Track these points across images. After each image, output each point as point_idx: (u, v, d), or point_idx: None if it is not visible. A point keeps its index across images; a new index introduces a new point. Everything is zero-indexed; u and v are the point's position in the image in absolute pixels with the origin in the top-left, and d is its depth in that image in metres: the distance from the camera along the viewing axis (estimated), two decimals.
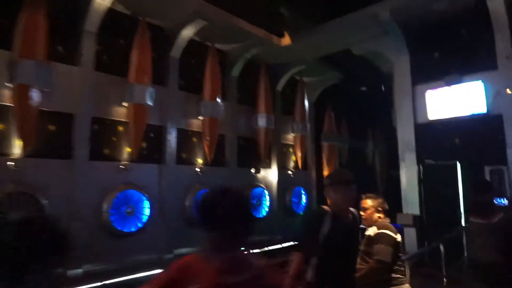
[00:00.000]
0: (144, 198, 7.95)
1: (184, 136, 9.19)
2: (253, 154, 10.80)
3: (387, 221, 3.31)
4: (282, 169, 11.97)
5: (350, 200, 2.68)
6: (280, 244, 10.77)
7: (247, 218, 1.70)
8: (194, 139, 9.45)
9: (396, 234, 3.14)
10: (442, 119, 8.53)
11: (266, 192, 11.04)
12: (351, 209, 2.76)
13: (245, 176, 10.47)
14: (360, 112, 14.29)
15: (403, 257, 4.70)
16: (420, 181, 8.76)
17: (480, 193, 3.67)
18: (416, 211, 8.59)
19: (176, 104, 8.88)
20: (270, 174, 11.66)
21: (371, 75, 12.25)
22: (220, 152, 10.07)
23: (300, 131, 12.16)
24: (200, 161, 9.46)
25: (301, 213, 12.43)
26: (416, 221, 7.88)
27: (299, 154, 12.22)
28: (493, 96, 7.84)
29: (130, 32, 7.96)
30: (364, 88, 13.53)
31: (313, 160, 13.39)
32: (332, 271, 2.47)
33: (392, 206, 9.29)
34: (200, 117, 9.26)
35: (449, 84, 8.38)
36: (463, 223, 7.98)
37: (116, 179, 7.64)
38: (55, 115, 6.96)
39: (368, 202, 3.37)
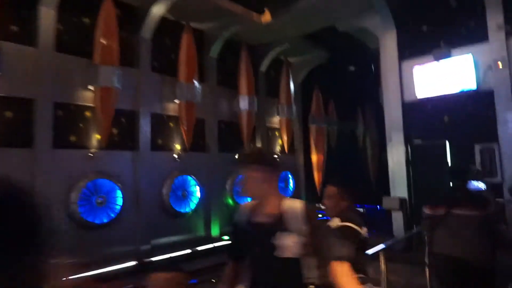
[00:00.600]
0: (117, 187, 7.51)
1: (160, 121, 8.70)
2: (235, 139, 10.34)
3: (351, 210, 2.90)
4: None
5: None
6: None
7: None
8: (171, 124, 8.96)
9: (361, 228, 2.72)
10: (431, 97, 8.08)
11: None
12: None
13: (227, 162, 10.02)
14: (349, 92, 13.77)
15: (380, 247, 4.33)
16: (408, 162, 8.37)
17: (456, 180, 3.27)
18: (404, 193, 8.23)
19: (149, 87, 8.35)
20: None
21: (359, 53, 11.72)
22: (200, 137, 9.61)
23: (286, 114, 11.69)
24: (178, 147, 9.00)
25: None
26: (403, 204, 7.51)
27: (285, 137, 11.78)
28: (484, 71, 7.39)
29: (94, 10, 7.36)
30: (352, 68, 13.00)
31: (301, 143, 12.97)
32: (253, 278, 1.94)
33: (385, 190, 9.07)
34: (176, 101, 8.74)
35: (437, 58, 7.90)
36: None
37: (84, 167, 7.18)
38: (12, 100, 6.43)
39: (332, 190, 2.94)
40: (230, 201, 10.17)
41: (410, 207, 8.10)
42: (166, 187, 8.55)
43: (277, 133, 12.15)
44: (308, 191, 12.96)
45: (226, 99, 10.31)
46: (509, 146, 7.12)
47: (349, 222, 2.69)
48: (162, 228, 8.35)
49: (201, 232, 9.37)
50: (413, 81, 8.26)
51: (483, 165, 7.32)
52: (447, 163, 7.85)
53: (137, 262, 7.28)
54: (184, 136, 8.76)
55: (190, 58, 8.78)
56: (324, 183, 13.08)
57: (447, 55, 7.83)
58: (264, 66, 11.43)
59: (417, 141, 8.28)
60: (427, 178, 8.05)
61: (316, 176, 12.87)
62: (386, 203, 7.58)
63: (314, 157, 12.84)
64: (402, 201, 7.59)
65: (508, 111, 7.12)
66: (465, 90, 7.63)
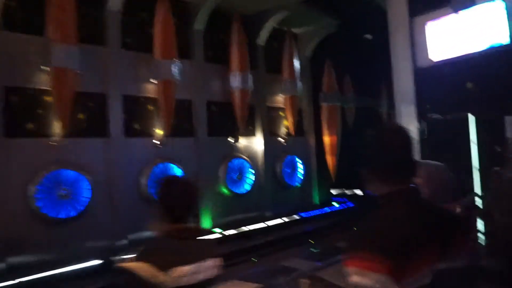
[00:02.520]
0: (83, 178, 6.82)
1: (135, 104, 7.87)
2: (229, 121, 9.32)
3: None
4: (270, 136, 10.43)
5: None
6: (267, 221, 9.44)
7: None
8: (150, 107, 8.11)
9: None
10: (449, 59, 6.50)
11: (248, 163, 9.61)
12: None
13: (218, 146, 9.07)
14: (368, 64, 12.13)
15: None
16: (422, 142, 6.89)
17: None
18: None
19: (119, 67, 7.51)
20: (255, 143, 10.17)
21: (375, 17, 10.08)
22: (186, 120, 8.71)
23: (290, 91, 10.43)
24: (159, 132, 8.15)
25: (297, 185, 10.94)
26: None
27: (290, 117, 10.56)
28: None
29: None
30: (369, 36, 11.37)
31: (311, 124, 11.68)
32: None
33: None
34: (153, 80, 7.85)
35: (456, 9, 6.27)
36: (478, 191, 6.15)
37: (44, 158, 6.53)
38: None
39: None
40: (225, 190, 9.24)
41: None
42: (145, 176, 7.76)
43: (282, 114, 10.94)
44: (320, 177, 11.70)
45: (216, 77, 9.27)
46: None
47: None
48: (142, 221, 7.59)
49: (189, 224, 8.53)
50: (425, 41, 6.69)
51: None
52: (470, 141, 6.30)
53: (103, 260, 6.58)
54: (163, 119, 7.88)
55: (167, 32, 7.81)
56: (339, 167, 11.79)
57: (470, 3, 6.18)
58: (262, 38, 10.19)
59: (434, 116, 6.76)
60: (446, 160, 6.56)
61: (330, 160, 11.58)
62: None
63: (326, 139, 11.53)
64: None
65: None
66: (493, 46, 5.98)
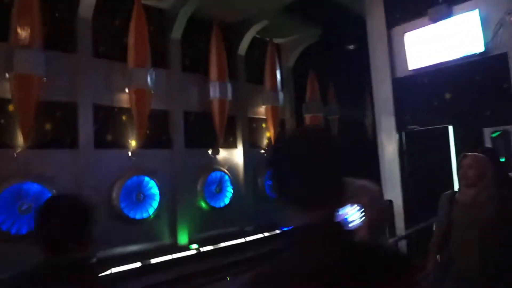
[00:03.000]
0: (48, 192, 6.45)
1: (108, 114, 7.57)
2: (208, 132, 9.04)
3: None
4: (251, 147, 10.17)
5: None
6: (247, 236, 9.11)
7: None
8: (123, 117, 7.81)
9: None
10: (426, 68, 6.37)
11: (227, 176, 9.32)
12: None
13: (196, 158, 8.77)
14: (352, 74, 12.03)
15: None
16: (401, 153, 6.72)
17: None
18: (397, 190, 6.60)
19: (90, 75, 7.22)
20: (236, 155, 9.90)
21: (356, 26, 10.02)
22: (162, 131, 8.42)
23: (271, 101, 10.23)
24: (134, 143, 7.83)
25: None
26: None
27: (272, 129, 10.34)
28: (494, 29, 5.61)
29: None
30: (351, 46, 11.29)
31: None
32: None
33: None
34: (127, 90, 7.57)
35: (435, 19, 6.18)
36: None
37: (6, 170, 6.16)
38: None
39: None
40: (203, 204, 8.91)
41: (404, 213, 6.46)
42: (116, 190, 7.41)
43: (264, 125, 10.72)
44: None
45: (194, 87, 9.03)
46: None
47: None
48: (112, 237, 7.22)
49: (165, 240, 8.19)
50: (404, 51, 6.57)
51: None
52: (451, 152, 6.14)
53: None
54: (137, 130, 7.57)
55: (142, 40, 7.57)
56: None
57: (447, 14, 6.10)
58: (242, 48, 10.02)
59: (413, 127, 6.60)
60: (426, 172, 6.39)
61: None
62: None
63: None
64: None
65: None
66: (470, 55, 5.88)
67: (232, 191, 9.32)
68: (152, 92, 7.73)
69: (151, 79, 7.61)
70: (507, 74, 5.56)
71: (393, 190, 6.67)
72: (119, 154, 7.60)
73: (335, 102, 12.30)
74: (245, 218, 9.59)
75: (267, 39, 10.45)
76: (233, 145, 9.85)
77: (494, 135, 5.61)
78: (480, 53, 5.75)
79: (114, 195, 7.38)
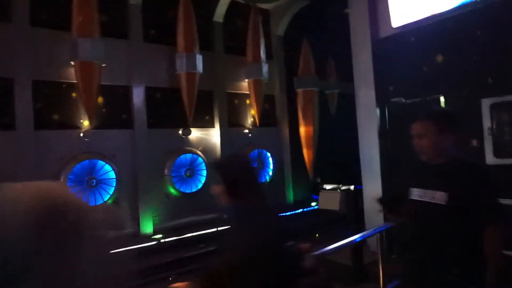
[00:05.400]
0: None
1: (51, 90, 6.77)
2: (178, 110, 8.10)
3: None
4: (231, 127, 9.15)
5: None
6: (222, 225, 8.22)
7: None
8: (74, 94, 6.99)
9: None
10: (414, 24, 5.03)
11: (201, 158, 8.40)
12: None
13: (162, 139, 7.89)
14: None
15: None
16: (382, 132, 5.49)
17: None
18: (376, 178, 5.43)
19: (28, 47, 6.39)
20: (214, 135, 8.93)
21: None
22: (121, 110, 7.56)
23: (254, 75, 9.09)
24: (86, 123, 7.04)
25: (266, 182, 9.65)
26: (350, 203, 4.68)
27: (255, 106, 9.24)
28: None
29: None
30: (347, 10, 9.78)
31: (285, 113, 10.31)
32: None
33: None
34: (72, 63, 6.71)
35: None
36: None
37: None
38: None
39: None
40: (172, 190, 8.08)
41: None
42: (65, 174, 6.70)
43: (248, 101, 9.63)
44: (297, 173, 10.36)
45: (161, 60, 8.04)
46: None
47: None
48: None
49: (127, 229, 7.44)
50: (387, 4, 5.22)
51: (497, 132, 4.28)
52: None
53: None
54: (85, 108, 6.75)
55: (86, 5, 6.62)
56: (320, 161, 10.43)
57: None
58: (219, 14, 8.85)
59: (396, 100, 5.32)
60: (411, 155, 5.14)
61: (306, 154, 10.21)
62: (323, 200, 4.80)
63: (302, 130, 10.15)
64: (348, 196, 4.75)
65: None
66: (466, 3, 4.50)
67: (206, 175, 8.41)
68: (104, 65, 6.83)
69: (100, 50, 6.69)
70: None
71: (370, 176, 5.49)
72: (68, 136, 6.83)
73: (335, 76, 10.94)
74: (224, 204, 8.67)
75: (251, 4, 9.21)
76: (210, 124, 8.87)
77: None
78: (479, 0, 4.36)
79: (61, 180, 6.65)
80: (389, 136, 5.43)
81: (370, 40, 5.45)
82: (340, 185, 8.26)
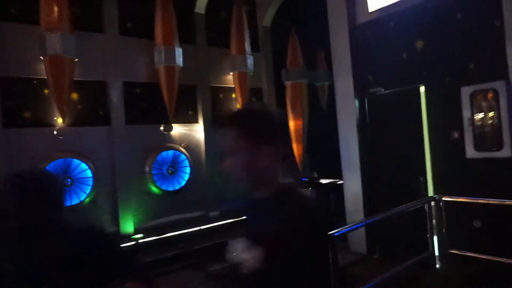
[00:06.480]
0: None
1: (21, 86, 6.53)
2: (158, 106, 7.84)
3: None
4: (216, 122, 8.87)
5: None
6: (207, 224, 8.01)
7: None
8: (45, 91, 6.75)
9: None
10: (392, 7, 4.71)
11: (183, 155, 8.14)
12: None
13: (143, 136, 7.65)
14: None
15: None
16: (361, 125, 5.19)
17: None
18: (355, 172, 5.14)
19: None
20: (198, 131, 8.66)
21: None
22: (98, 106, 7.32)
23: (239, 67, 8.80)
24: (60, 120, 6.80)
25: None
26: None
27: (240, 99, 8.96)
28: None
29: None
30: None
31: (273, 106, 9.99)
32: None
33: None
34: (42, 57, 6.46)
35: None
36: (430, 190, 4.46)
37: None
38: None
39: None
40: (153, 188, 7.84)
41: (364, 199, 5.00)
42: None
43: (234, 95, 9.34)
44: (287, 169, 10.05)
45: (138, 54, 7.77)
46: None
47: None
48: None
49: (106, 229, 7.24)
50: None
51: (478, 123, 3.97)
52: (422, 120, 4.57)
53: None
54: (57, 105, 6.50)
55: None
56: (308, 157, 10.16)
57: None
58: (201, 4, 8.54)
59: (375, 90, 5.01)
60: (393, 150, 4.87)
61: (295, 149, 9.91)
62: None
63: (291, 124, 9.85)
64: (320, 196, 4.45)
65: None
66: None
67: (189, 172, 8.16)
68: (76, 60, 6.57)
69: (71, 44, 6.43)
70: (499, 5, 3.84)
71: (350, 171, 5.20)
72: (41, 134, 6.60)
73: (325, 68, 10.59)
74: (208, 202, 8.45)
75: None
76: (193, 120, 8.60)
77: None
78: None
79: None
80: (369, 127, 5.13)
81: (348, 26, 5.13)
82: (337, 180, 7.96)
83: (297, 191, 1.25)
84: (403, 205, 3.73)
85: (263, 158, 1.20)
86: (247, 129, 1.21)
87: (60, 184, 1.36)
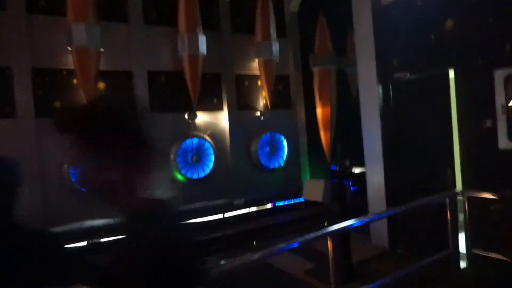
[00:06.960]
0: None
1: (51, 76, 6.78)
2: (182, 94, 7.88)
3: None
4: (242, 109, 8.81)
5: None
6: (230, 211, 8.05)
7: None
8: (74, 81, 6.97)
9: None
10: None
11: (208, 143, 8.16)
12: None
13: (167, 124, 7.73)
14: None
15: None
16: (384, 112, 4.89)
17: None
18: (378, 163, 4.88)
19: (24, 34, 6.40)
20: (222, 119, 8.64)
21: None
22: (124, 95, 7.45)
23: (264, 54, 8.62)
24: None
25: (280, 167, 9.26)
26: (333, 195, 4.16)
27: (266, 87, 8.80)
28: None
29: None
30: None
31: (300, 94, 9.76)
32: None
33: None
34: (69, 48, 6.65)
35: None
36: (459, 183, 4.13)
37: None
38: None
39: None
40: (178, 175, 7.95)
41: (387, 191, 4.74)
42: (67, 166, 6.74)
43: (259, 83, 9.19)
44: (313, 157, 9.85)
45: (162, 43, 7.80)
46: None
47: None
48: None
49: None
50: None
51: None
52: (451, 106, 4.22)
53: None
54: (83, 94, 6.69)
55: None
56: (339, 145, 9.83)
57: None
58: None
59: (400, 75, 4.67)
60: (417, 135, 4.56)
61: (323, 137, 9.64)
62: (307, 189, 4.32)
63: (319, 111, 9.57)
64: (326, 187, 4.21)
65: None
66: None
67: (214, 160, 8.18)
68: (102, 50, 6.72)
69: (96, 34, 6.57)
70: None
71: (372, 161, 4.95)
72: None
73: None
74: (233, 190, 8.45)
75: None
76: (218, 107, 8.57)
77: None
78: None
79: (65, 174, 6.72)
80: (393, 117, 4.82)
81: (371, 6, 4.80)
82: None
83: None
84: (421, 199, 3.46)
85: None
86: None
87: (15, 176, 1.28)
